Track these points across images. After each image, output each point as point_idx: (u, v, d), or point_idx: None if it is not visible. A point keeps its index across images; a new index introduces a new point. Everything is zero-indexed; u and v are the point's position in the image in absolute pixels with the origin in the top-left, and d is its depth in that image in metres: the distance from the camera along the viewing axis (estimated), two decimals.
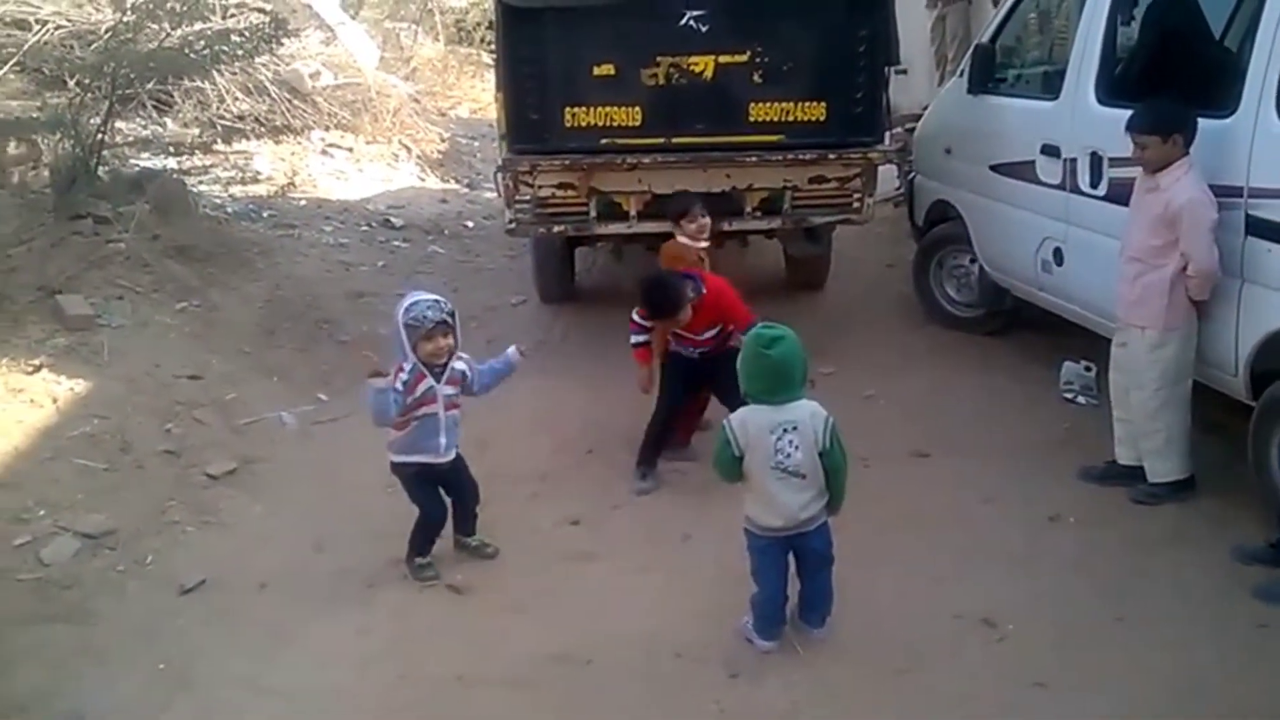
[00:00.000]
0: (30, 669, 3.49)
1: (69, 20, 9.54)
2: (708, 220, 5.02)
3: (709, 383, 4.76)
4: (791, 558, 3.54)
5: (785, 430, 3.36)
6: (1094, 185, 4.92)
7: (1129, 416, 4.44)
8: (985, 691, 3.33)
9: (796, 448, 3.37)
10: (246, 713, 3.31)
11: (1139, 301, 4.27)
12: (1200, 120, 4.20)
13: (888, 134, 6.33)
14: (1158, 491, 4.37)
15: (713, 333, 4.64)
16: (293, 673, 3.51)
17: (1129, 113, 4.33)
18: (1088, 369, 5.44)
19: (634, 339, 4.72)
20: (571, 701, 3.35)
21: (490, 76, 9.76)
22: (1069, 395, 5.48)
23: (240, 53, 8.91)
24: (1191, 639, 3.55)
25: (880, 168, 6.11)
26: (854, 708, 3.27)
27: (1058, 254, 5.27)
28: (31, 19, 9.35)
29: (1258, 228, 4.02)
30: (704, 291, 4.50)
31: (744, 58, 5.59)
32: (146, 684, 3.44)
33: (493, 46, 6.91)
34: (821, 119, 5.72)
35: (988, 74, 6.03)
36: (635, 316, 4.65)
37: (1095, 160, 4.89)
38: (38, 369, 5.11)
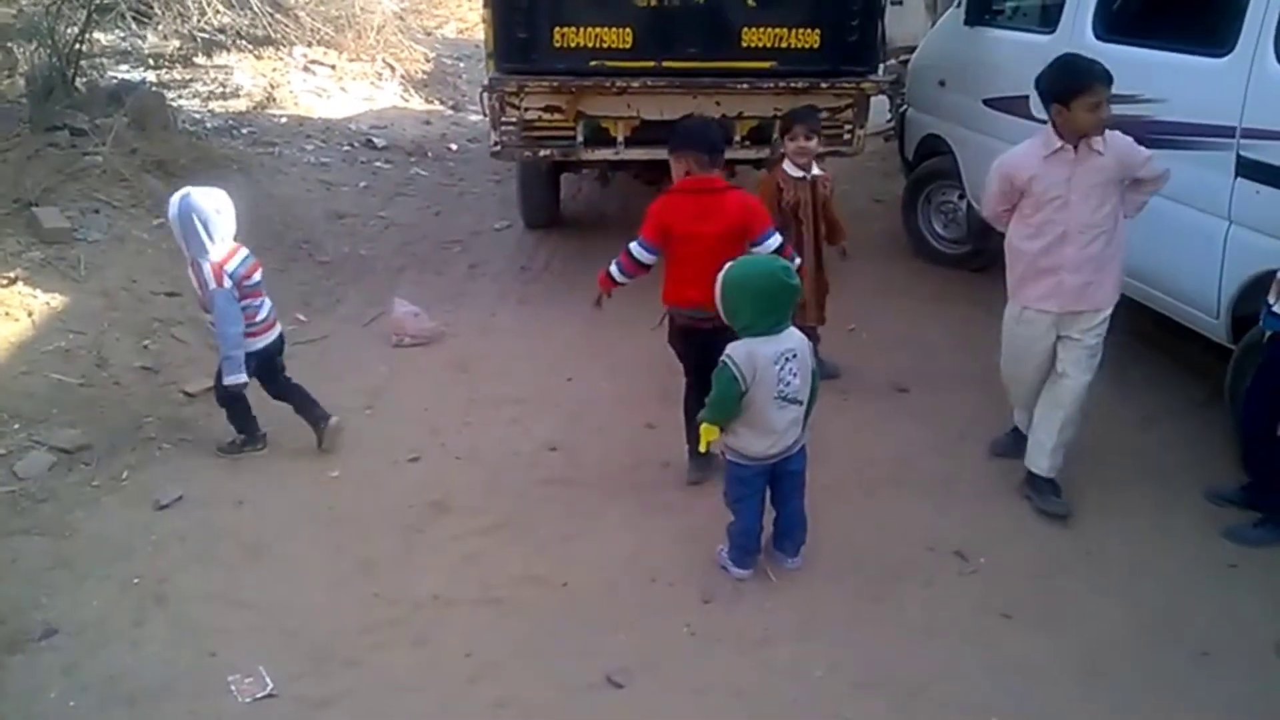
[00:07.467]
0: (5, 581, 3.48)
1: None
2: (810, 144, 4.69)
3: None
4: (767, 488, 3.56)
5: (787, 359, 3.35)
6: None
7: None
8: (954, 621, 3.37)
9: (795, 374, 3.36)
10: (220, 627, 3.32)
11: (1104, 279, 3.76)
12: (1197, 59, 4.22)
13: (881, 65, 6.25)
14: None
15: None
16: (267, 589, 3.52)
17: (1127, 49, 4.23)
18: None
19: (617, 270, 3.99)
20: (546, 622, 3.38)
21: None
22: None
23: None
24: (1161, 576, 3.60)
25: (873, 99, 6.03)
26: (825, 634, 3.31)
27: None
28: None
29: (1248, 169, 3.99)
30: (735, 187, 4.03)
31: None
32: (120, 597, 3.45)
33: None
34: (815, 46, 5.65)
35: (985, 5, 5.95)
36: (636, 250, 3.93)
37: None
38: (13, 282, 5.03)
